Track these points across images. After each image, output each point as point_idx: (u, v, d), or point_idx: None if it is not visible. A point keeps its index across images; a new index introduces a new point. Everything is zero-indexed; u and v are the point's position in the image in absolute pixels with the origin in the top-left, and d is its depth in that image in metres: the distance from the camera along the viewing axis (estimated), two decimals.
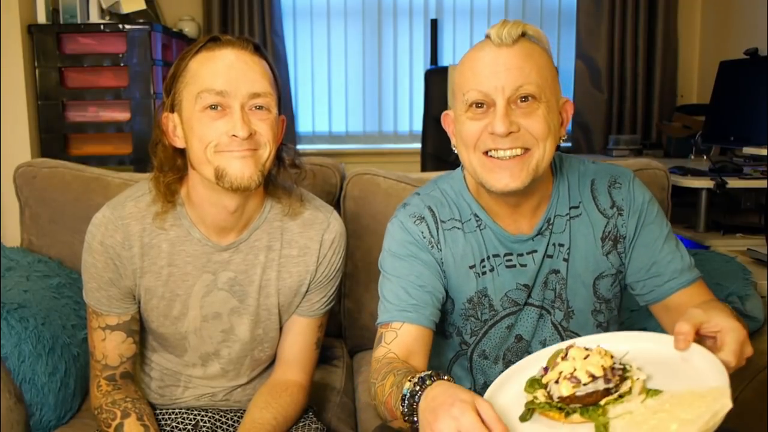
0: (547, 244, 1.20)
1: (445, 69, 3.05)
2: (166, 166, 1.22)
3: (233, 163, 1.14)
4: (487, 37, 1.10)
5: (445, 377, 0.94)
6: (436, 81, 3.05)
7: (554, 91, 1.11)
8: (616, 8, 3.60)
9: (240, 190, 1.16)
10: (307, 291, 1.33)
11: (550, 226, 1.20)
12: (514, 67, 1.07)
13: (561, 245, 1.20)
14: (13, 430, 1.37)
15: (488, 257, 1.20)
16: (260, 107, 1.16)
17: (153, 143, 1.24)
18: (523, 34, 1.10)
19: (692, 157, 3.16)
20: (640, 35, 3.62)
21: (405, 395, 0.94)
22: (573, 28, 3.71)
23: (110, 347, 1.29)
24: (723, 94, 2.92)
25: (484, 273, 1.20)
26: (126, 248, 1.24)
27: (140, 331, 1.33)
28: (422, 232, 1.19)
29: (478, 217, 1.21)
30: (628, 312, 1.50)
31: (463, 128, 1.12)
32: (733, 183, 2.42)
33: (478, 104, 1.09)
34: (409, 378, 0.95)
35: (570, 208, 1.21)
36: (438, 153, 3.07)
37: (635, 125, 3.66)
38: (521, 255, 1.20)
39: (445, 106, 3.02)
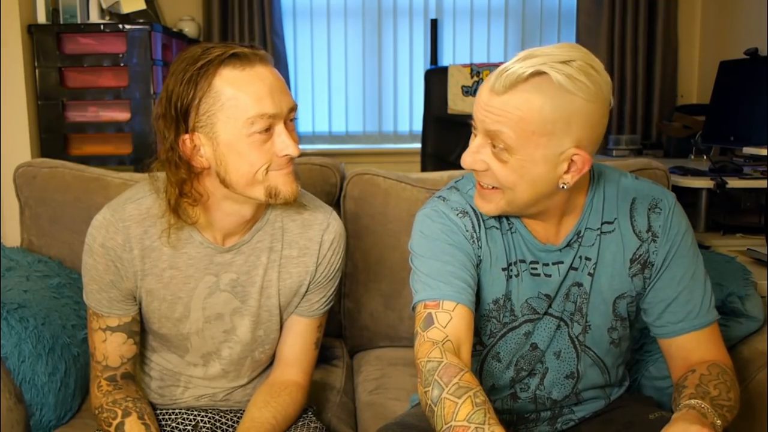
0: (574, 257, 1.18)
1: (445, 69, 3.05)
2: (187, 188, 1.19)
3: (283, 179, 1.18)
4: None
5: None
6: (436, 81, 3.05)
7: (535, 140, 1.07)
8: (616, 8, 3.59)
9: (290, 203, 1.21)
10: (306, 291, 1.33)
11: (580, 239, 1.18)
12: (495, 112, 1.05)
13: (588, 259, 1.18)
14: (13, 430, 1.37)
15: (516, 262, 1.19)
16: (292, 119, 1.20)
17: (171, 166, 1.18)
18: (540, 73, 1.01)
19: (692, 157, 3.16)
20: (640, 35, 3.61)
21: None
22: (573, 28, 3.71)
23: (111, 348, 1.29)
24: (723, 94, 2.92)
25: (510, 277, 1.19)
26: (127, 250, 1.24)
27: (140, 331, 1.33)
28: (465, 226, 1.17)
29: (509, 220, 1.19)
30: None
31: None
32: (733, 183, 2.42)
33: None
34: None
35: (602, 223, 1.19)
36: (438, 153, 3.07)
37: (635, 125, 3.66)
38: (546, 265, 1.18)
39: (445, 106, 3.02)
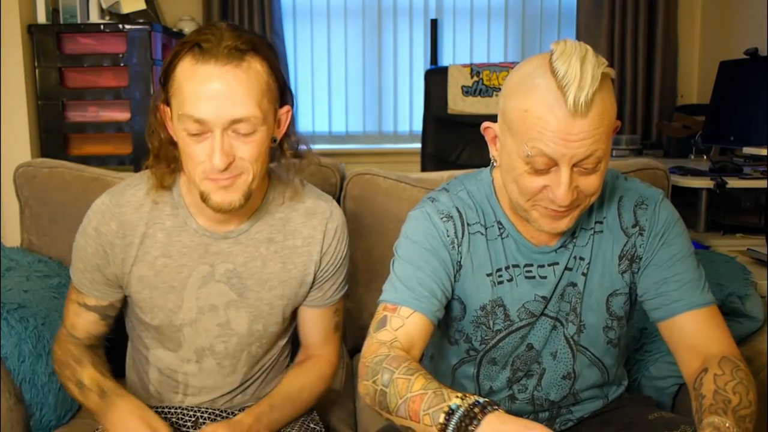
0: (569, 257, 1.18)
1: (445, 69, 3.05)
2: (162, 153, 1.22)
3: (216, 192, 1.14)
4: (560, 88, 0.98)
5: (500, 408, 0.92)
6: (436, 81, 3.05)
7: (614, 131, 1.06)
8: (616, 8, 3.59)
9: (223, 213, 1.18)
10: (313, 281, 1.32)
11: (574, 239, 1.19)
12: (585, 136, 0.99)
13: (581, 259, 1.19)
14: (13, 430, 1.37)
15: (507, 267, 1.18)
16: (245, 133, 1.12)
17: (149, 131, 1.23)
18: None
19: (692, 157, 3.16)
20: (640, 35, 3.61)
21: (453, 410, 0.91)
22: (573, 28, 3.71)
23: (81, 323, 1.32)
24: (723, 94, 2.92)
25: (501, 282, 1.18)
26: (120, 237, 1.25)
27: (122, 318, 1.35)
28: (447, 230, 1.17)
29: (501, 224, 1.19)
30: None
31: (519, 178, 1.06)
32: (733, 183, 2.42)
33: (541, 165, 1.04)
34: (457, 395, 0.92)
35: (595, 223, 1.19)
36: (438, 153, 3.06)
37: (635, 125, 3.66)
38: (542, 266, 1.18)
39: (445, 106, 3.02)
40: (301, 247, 1.30)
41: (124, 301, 1.34)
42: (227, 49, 1.10)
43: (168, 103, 1.17)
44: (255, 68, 1.13)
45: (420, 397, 0.95)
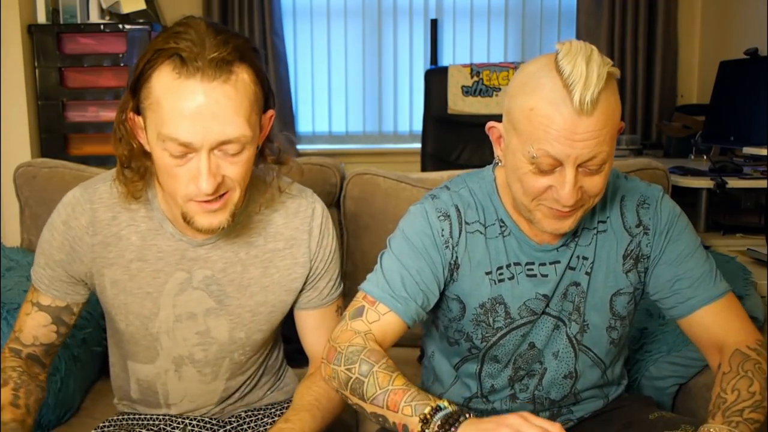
0: (571, 256, 1.18)
1: (445, 69, 3.05)
2: (133, 164, 1.13)
3: (201, 215, 1.08)
4: (566, 86, 0.98)
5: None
6: (436, 81, 3.05)
7: (618, 132, 1.06)
8: (616, 8, 3.60)
9: (210, 234, 1.14)
10: (305, 283, 1.27)
11: (577, 238, 1.19)
12: (590, 137, 0.99)
13: (585, 258, 1.19)
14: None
15: (508, 265, 1.18)
16: (234, 153, 1.05)
17: (116, 139, 1.12)
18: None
19: (692, 157, 3.16)
20: (640, 35, 3.62)
21: (440, 407, 0.97)
22: (573, 28, 3.71)
23: (30, 324, 1.21)
24: (723, 94, 2.92)
25: (501, 280, 1.18)
26: (89, 234, 1.18)
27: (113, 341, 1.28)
28: (443, 230, 1.17)
29: (503, 222, 1.19)
30: None
31: (524, 178, 1.06)
32: (733, 183, 2.43)
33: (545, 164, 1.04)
34: (444, 401, 0.99)
35: (598, 222, 1.20)
36: (438, 153, 3.07)
37: (635, 125, 3.66)
38: (543, 264, 1.18)
39: (445, 106, 3.02)
40: (284, 250, 1.24)
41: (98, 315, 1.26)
42: (214, 61, 1.00)
43: (139, 113, 1.07)
44: (243, 80, 1.04)
45: (402, 391, 1.01)
